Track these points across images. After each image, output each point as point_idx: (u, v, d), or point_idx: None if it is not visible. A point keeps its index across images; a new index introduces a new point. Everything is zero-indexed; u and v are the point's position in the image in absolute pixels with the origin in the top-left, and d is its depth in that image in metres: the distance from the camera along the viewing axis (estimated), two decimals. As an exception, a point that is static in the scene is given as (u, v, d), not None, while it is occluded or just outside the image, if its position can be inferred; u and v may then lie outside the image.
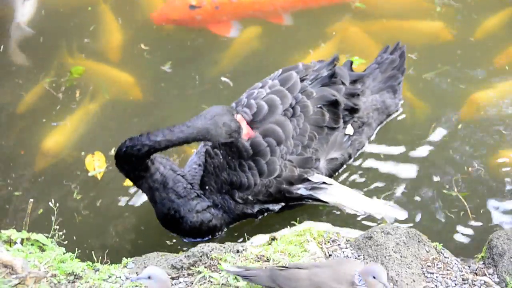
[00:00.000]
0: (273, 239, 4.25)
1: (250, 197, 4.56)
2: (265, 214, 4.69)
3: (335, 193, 4.59)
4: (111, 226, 4.88)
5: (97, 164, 5.25)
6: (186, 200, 4.51)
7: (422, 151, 5.15)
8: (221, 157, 4.56)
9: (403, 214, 4.57)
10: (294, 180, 4.56)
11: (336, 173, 4.85)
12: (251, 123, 4.54)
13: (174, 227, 4.62)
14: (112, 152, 5.24)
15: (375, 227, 4.18)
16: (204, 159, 4.66)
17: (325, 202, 4.62)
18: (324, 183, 4.59)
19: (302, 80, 4.69)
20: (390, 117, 5.15)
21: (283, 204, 4.67)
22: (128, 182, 4.99)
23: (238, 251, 3.95)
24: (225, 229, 4.71)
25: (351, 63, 5.04)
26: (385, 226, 4.18)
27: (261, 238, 4.24)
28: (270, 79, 4.82)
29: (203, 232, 4.60)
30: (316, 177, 4.60)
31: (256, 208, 4.63)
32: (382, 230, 4.12)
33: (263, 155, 4.50)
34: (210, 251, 3.92)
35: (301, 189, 4.58)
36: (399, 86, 5.11)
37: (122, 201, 5.00)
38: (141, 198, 4.97)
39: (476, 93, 5.47)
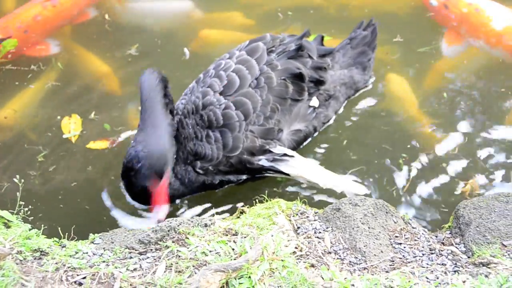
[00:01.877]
0: (242, 212, 4.25)
1: (211, 168, 4.54)
2: (226, 186, 4.67)
3: (296, 165, 4.58)
4: (78, 198, 4.82)
5: (73, 127, 5.22)
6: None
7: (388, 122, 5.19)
8: (190, 127, 4.54)
9: (362, 189, 4.57)
10: (255, 151, 4.54)
11: (301, 146, 4.83)
12: (222, 94, 4.55)
13: (128, 185, 4.40)
14: (92, 116, 5.30)
15: (343, 198, 4.20)
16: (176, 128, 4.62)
17: (286, 174, 4.60)
18: (285, 155, 4.58)
19: (269, 51, 4.68)
20: (359, 93, 5.13)
21: (244, 176, 4.65)
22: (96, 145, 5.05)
23: (206, 225, 3.93)
24: (178, 200, 4.68)
25: (322, 37, 5.04)
26: (353, 198, 4.19)
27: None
28: (237, 49, 4.81)
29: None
30: (278, 149, 4.59)
31: (217, 179, 4.60)
32: (350, 202, 4.13)
33: (232, 129, 4.49)
34: (178, 226, 3.89)
35: (262, 160, 4.57)
36: (369, 62, 5.12)
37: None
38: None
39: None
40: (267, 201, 4.29)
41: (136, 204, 4.59)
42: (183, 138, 4.55)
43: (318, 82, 4.77)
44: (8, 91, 5.53)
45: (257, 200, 4.40)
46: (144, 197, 4.36)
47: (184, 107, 4.66)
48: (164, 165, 4.23)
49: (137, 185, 4.27)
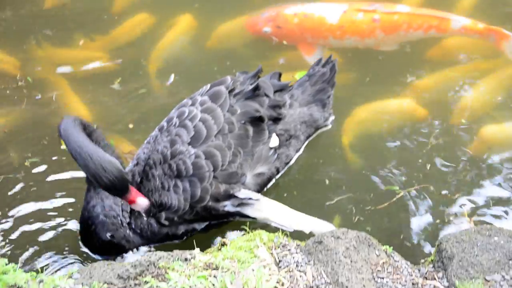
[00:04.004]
0: (223, 244, 4.20)
1: (176, 218, 4.45)
2: (189, 234, 4.56)
3: (262, 209, 4.53)
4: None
5: None
6: (109, 223, 4.38)
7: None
8: (157, 178, 4.45)
9: (330, 227, 4.52)
10: (220, 196, 4.46)
11: (265, 188, 4.78)
12: (190, 144, 4.47)
13: (86, 237, 4.48)
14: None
15: (326, 232, 4.15)
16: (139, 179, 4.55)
17: (253, 218, 4.55)
18: (251, 198, 4.52)
19: (230, 93, 4.65)
20: (319, 131, 5.10)
21: (209, 222, 4.57)
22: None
23: (186, 259, 3.88)
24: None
25: (280, 74, 5.00)
26: (336, 230, 4.16)
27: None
28: (199, 94, 4.74)
29: (112, 253, 4.49)
30: (242, 193, 4.52)
31: (182, 229, 4.50)
32: (332, 235, 4.10)
33: (201, 179, 4.41)
34: (158, 260, 3.84)
35: (228, 206, 4.49)
36: (329, 99, 5.07)
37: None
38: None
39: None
40: (248, 232, 4.25)
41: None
42: (147, 191, 4.44)
43: (277, 119, 4.74)
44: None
45: (238, 232, 4.37)
46: (106, 250, 4.44)
47: (148, 157, 4.54)
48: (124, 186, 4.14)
49: (97, 239, 4.38)
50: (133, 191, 4.14)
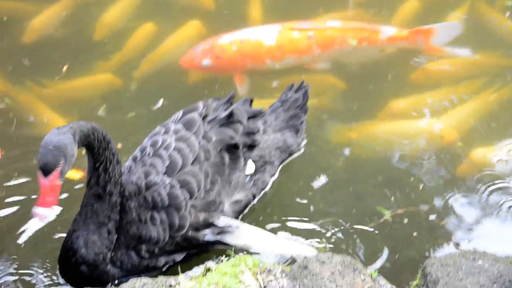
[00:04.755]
0: (208, 270, 4.18)
1: (156, 250, 4.41)
2: (170, 265, 4.52)
3: (243, 235, 4.52)
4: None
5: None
6: (90, 258, 4.31)
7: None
8: (133, 210, 4.40)
9: (312, 251, 4.52)
10: (199, 225, 4.45)
11: (242, 215, 4.77)
12: (166, 174, 4.44)
13: (64, 266, 4.40)
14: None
15: (311, 257, 4.14)
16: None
17: (234, 245, 4.53)
18: (231, 226, 4.51)
19: (203, 119, 4.65)
20: (292, 156, 5.12)
21: (189, 252, 4.54)
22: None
23: (171, 286, 3.87)
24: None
25: (251, 100, 5.02)
26: (321, 255, 4.15)
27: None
28: (172, 122, 4.73)
29: (92, 285, 4.41)
30: (222, 221, 4.51)
31: (162, 261, 4.45)
32: (317, 259, 4.09)
33: (178, 209, 4.39)
34: (142, 287, 3.82)
35: (208, 235, 4.48)
36: (302, 125, 5.10)
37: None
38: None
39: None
40: (233, 257, 4.23)
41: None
42: (125, 223, 4.39)
43: (251, 146, 4.75)
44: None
45: (223, 256, 4.35)
46: (85, 283, 4.36)
47: (123, 189, 4.47)
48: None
49: (77, 272, 4.32)
50: (53, 177, 3.88)
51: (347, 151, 5.39)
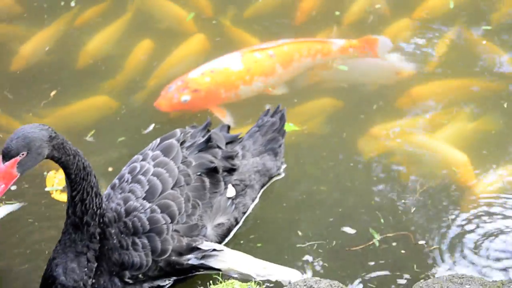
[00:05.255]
0: (196, 295, 4.17)
1: (140, 275, 4.37)
2: None
3: (227, 259, 4.48)
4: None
5: (57, 181, 5.22)
6: (70, 286, 4.27)
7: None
8: (114, 236, 4.37)
9: (296, 275, 4.50)
10: (183, 250, 4.41)
11: (226, 239, 4.75)
12: (145, 199, 4.42)
13: None
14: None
15: (298, 281, 4.14)
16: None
17: (218, 269, 4.48)
18: (214, 249, 4.48)
19: (181, 145, 4.66)
20: (272, 180, 5.13)
21: (173, 278, 4.49)
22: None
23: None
24: None
25: (228, 127, 5.07)
26: (309, 280, 4.13)
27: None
28: (149, 149, 4.73)
29: None
30: (205, 245, 4.48)
31: (146, 287, 4.42)
32: (305, 284, 4.07)
33: (159, 233, 4.36)
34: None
35: (191, 259, 4.44)
36: (280, 148, 5.13)
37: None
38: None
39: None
40: (221, 282, 4.22)
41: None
42: (107, 249, 4.35)
43: (231, 170, 4.76)
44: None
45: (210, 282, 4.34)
46: None
47: (103, 216, 4.40)
48: None
49: None
50: (10, 165, 3.83)
51: (332, 175, 5.40)
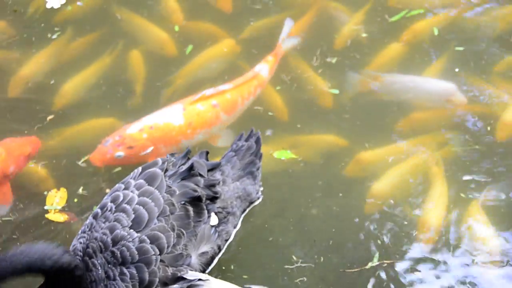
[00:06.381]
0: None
1: None
2: None
3: None
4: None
5: (57, 200, 5.22)
6: None
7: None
8: (99, 267, 4.30)
9: None
10: (168, 280, 4.35)
11: (209, 268, 4.70)
12: (132, 229, 4.37)
13: None
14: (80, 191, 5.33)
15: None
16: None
17: None
18: (200, 279, 4.40)
19: (164, 173, 4.64)
20: (252, 205, 5.06)
21: None
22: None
23: None
24: None
25: (207, 152, 5.01)
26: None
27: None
28: (131, 178, 4.67)
29: None
30: (190, 274, 4.42)
31: None
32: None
33: (148, 264, 4.30)
34: None
35: None
36: (258, 171, 5.10)
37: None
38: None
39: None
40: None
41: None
42: (90, 282, 4.28)
43: (214, 198, 4.72)
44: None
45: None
46: None
47: (86, 246, 4.39)
48: None
49: None
50: None
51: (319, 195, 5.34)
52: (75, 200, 5.25)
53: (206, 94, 5.73)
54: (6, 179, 5.31)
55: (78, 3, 6.67)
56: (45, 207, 5.16)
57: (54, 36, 6.40)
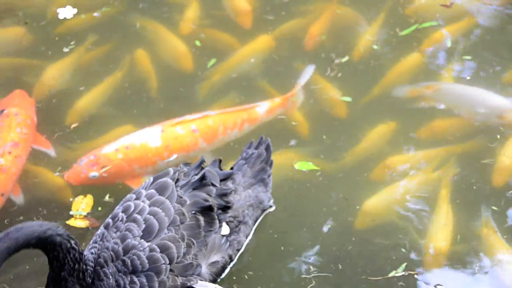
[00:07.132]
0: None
1: None
2: None
3: None
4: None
5: (83, 206, 5.25)
6: None
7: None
8: (110, 276, 4.31)
9: None
10: None
11: (220, 278, 4.66)
12: (143, 238, 4.37)
13: None
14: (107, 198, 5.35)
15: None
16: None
17: None
18: None
19: (175, 184, 4.62)
20: (265, 213, 5.03)
21: None
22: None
23: None
24: None
25: (220, 161, 4.97)
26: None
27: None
28: (143, 188, 4.68)
29: None
30: (200, 284, 4.40)
31: None
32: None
33: (158, 273, 4.30)
34: None
35: None
36: (269, 178, 5.06)
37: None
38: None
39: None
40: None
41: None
42: None
43: (226, 208, 4.69)
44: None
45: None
46: None
47: (98, 256, 4.40)
48: None
49: None
50: None
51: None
52: (99, 208, 5.28)
53: (187, 118, 5.66)
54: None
55: (95, 14, 6.70)
56: (71, 212, 5.21)
57: (67, 49, 6.44)
